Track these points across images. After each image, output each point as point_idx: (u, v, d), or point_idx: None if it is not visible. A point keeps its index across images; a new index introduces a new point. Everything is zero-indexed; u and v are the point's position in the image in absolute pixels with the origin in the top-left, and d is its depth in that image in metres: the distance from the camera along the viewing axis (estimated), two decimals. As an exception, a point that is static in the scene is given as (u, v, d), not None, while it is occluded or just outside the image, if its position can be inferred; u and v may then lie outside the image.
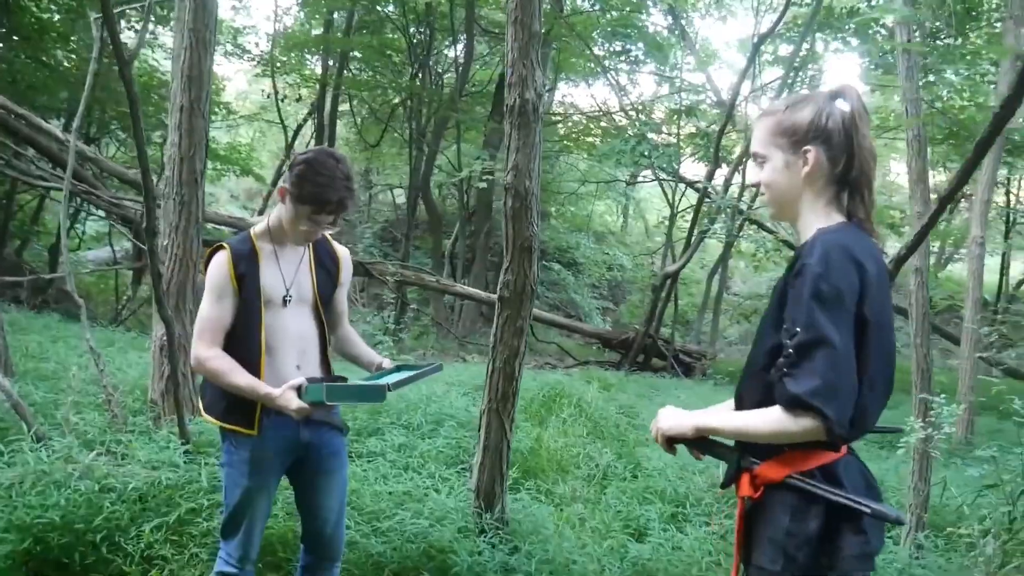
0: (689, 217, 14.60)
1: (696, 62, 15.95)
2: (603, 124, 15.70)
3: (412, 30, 14.48)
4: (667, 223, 15.31)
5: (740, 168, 11.74)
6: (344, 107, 16.73)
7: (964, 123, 9.43)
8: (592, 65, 16.75)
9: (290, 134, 16.04)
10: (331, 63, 15.05)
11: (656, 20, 15.92)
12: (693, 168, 19.24)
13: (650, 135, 11.90)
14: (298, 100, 16.26)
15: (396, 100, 15.59)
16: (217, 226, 11.21)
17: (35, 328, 8.30)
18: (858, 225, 1.83)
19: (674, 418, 1.93)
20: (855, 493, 1.74)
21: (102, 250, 15.79)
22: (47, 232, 13.98)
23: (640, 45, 13.44)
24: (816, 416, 1.63)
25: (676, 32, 15.78)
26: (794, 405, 1.64)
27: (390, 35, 15.20)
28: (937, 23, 11.34)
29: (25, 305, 10.33)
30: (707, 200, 11.31)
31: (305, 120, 17.47)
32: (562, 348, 13.70)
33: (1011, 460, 3.97)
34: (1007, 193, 20.45)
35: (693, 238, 11.42)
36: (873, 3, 12.53)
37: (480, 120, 13.66)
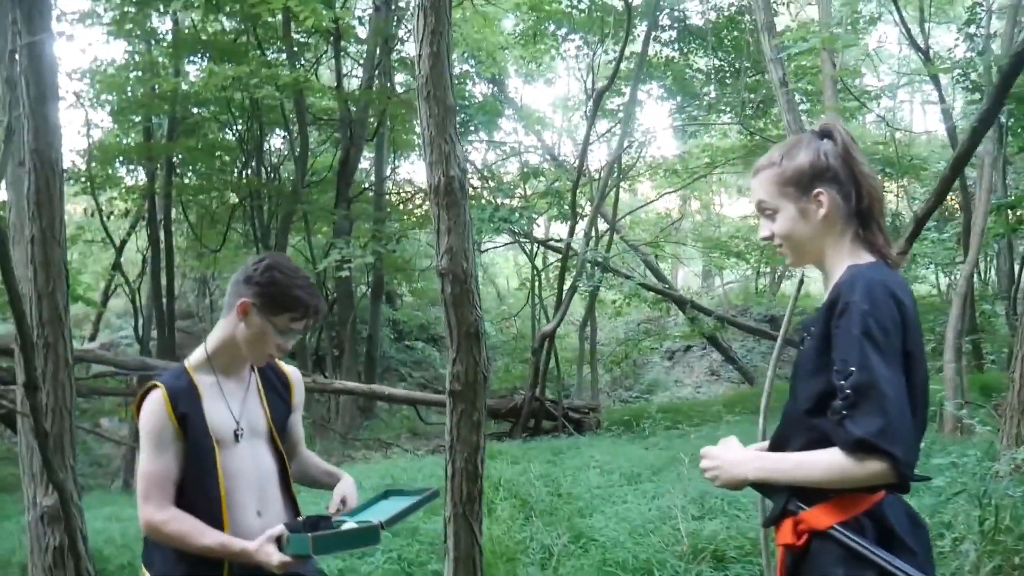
0: (552, 275, 14.80)
1: (526, 124, 16.30)
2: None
3: (240, 127, 13.96)
4: (527, 285, 15.39)
5: (594, 219, 12.00)
6: (174, 212, 15.85)
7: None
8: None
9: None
10: (158, 169, 14.24)
11: (481, 89, 16.31)
12: (543, 228, 19.71)
13: (503, 200, 11.95)
14: (126, 215, 15.26)
15: (234, 200, 14.92)
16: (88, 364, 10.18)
17: None
18: (883, 259, 1.82)
19: (736, 458, 1.83)
20: (903, 533, 1.71)
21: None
22: None
23: (470, 114, 13.56)
24: (884, 458, 1.59)
25: (501, 99, 16.17)
26: (859, 448, 1.60)
27: (216, 134, 14.61)
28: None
29: None
30: (572, 255, 11.41)
31: (129, 233, 16.39)
32: (449, 427, 13.28)
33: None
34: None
35: (564, 295, 11.43)
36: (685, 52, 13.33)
37: (327, 209, 13.27)
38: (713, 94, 13.90)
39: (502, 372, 20.05)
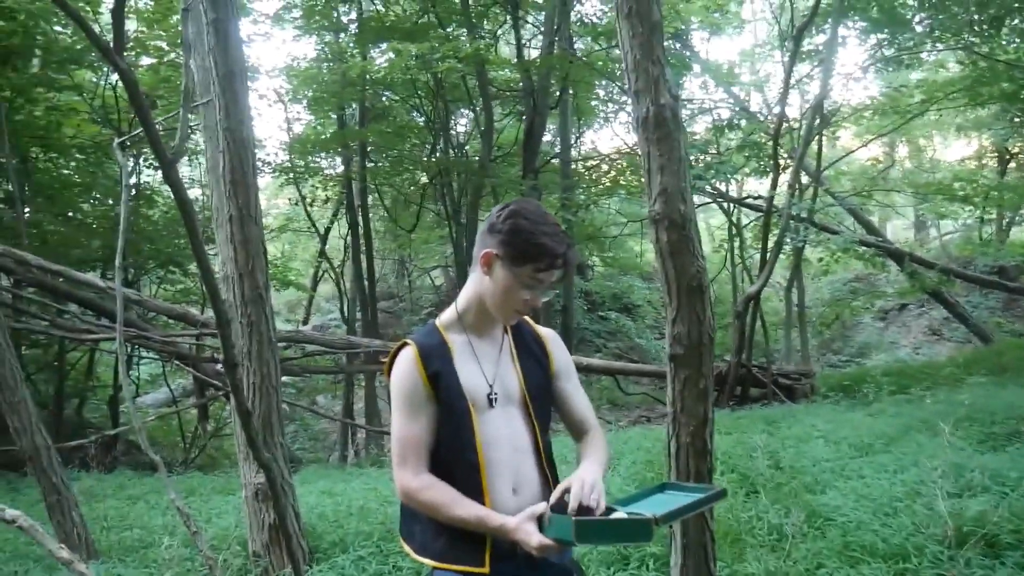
0: (750, 236, 13.90)
1: (715, 77, 15.37)
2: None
3: (426, 107, 14.12)
4: (724, 247, 14.57)
5: (798, 171, 11.05)
6: (371, 198, 16.40)
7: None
8: (606, 105, 16.32)
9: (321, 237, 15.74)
10: (353, 158, 14.73)
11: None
12: (736, 187, 18.62)
13: (697, 156, 11.26)
14: (325, 202, 15.96)
15: (423, 180, 15.19)
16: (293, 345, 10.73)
17: (109, 490, 7.74)
18: None
19: None
20: None
21: (159, 392, 15.39)
22: (103, 385, 13.58)
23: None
24: None
25: (686, 55, 15.33)
26: None
27: (404, 117, 14.89)
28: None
29: (94, 466, 9.82)
30: (775, 211, 10.57)
31: (332, 221, 17.17)
32: (652, 397, 12.86)
33: None
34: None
35: (768, 254, 10.63)
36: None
37: (515, 182, 13.14)
38: (925, 21, 12.38)
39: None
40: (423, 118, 14.42)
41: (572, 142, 15.68)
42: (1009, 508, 4.13)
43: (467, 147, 15.87)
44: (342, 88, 13.18)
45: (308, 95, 14.15)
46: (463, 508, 1.97)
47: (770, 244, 10.83)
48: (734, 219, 13.41)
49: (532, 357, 2.21)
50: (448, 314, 2.16)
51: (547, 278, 2.01)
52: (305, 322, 19.89)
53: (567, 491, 1.96)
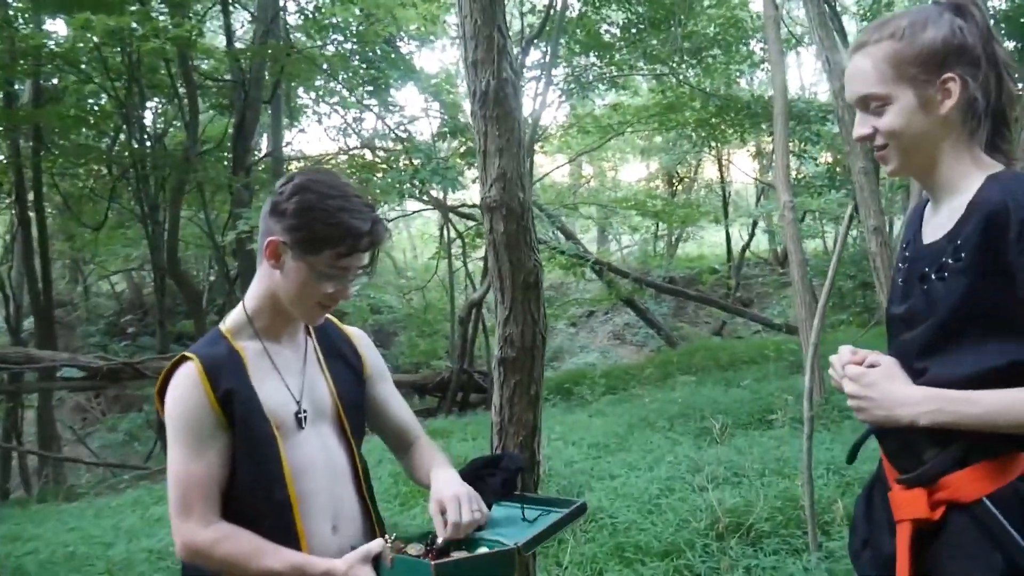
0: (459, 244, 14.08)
1: (435, 86, 15.43)
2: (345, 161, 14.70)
3: (118, 91, 12.53)
4: (442, 253, 14.67)
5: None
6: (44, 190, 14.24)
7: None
8: (318, 105, 15.71)
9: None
10: (21, 142, 12.65)
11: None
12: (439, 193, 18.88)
13: (416, 160, 11.14)
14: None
15: (114, 172, 13.49)
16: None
17: None
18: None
19: (902, 396, 1.40)
20: None
21: None
22: None
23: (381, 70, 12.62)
24: None
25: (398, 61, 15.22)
26: None
27: (91, 101, 13.10)
28: None
29: None
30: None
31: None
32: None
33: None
34: (720, 169, 22.37)
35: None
36: None
37: (226, 178, 12.10)
38: (624, 49, 13.45)
39: (406, 347, 19.31)
40: (112, 102, 12.78)
41: (285, 141, 14.83)
42: (755, 497, 4.41)
43: (164, 139, 14.37)
44: (11, 60, 11.25)
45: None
46: (274, 557, 1.59)
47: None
48: (456, 228, 13.51)
49: (341, 360, 1.85)
50: (235, 317, 1.74)
51: (352, 263, 1.66)
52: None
53: (443, 514, 1.65)
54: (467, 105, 17.12)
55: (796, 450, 5.32)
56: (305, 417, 1.71)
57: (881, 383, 1.42)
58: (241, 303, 1.75)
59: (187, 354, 1.66)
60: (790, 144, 8.70)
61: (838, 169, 11.68)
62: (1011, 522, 1.32)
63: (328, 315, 1.79)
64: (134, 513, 5.69)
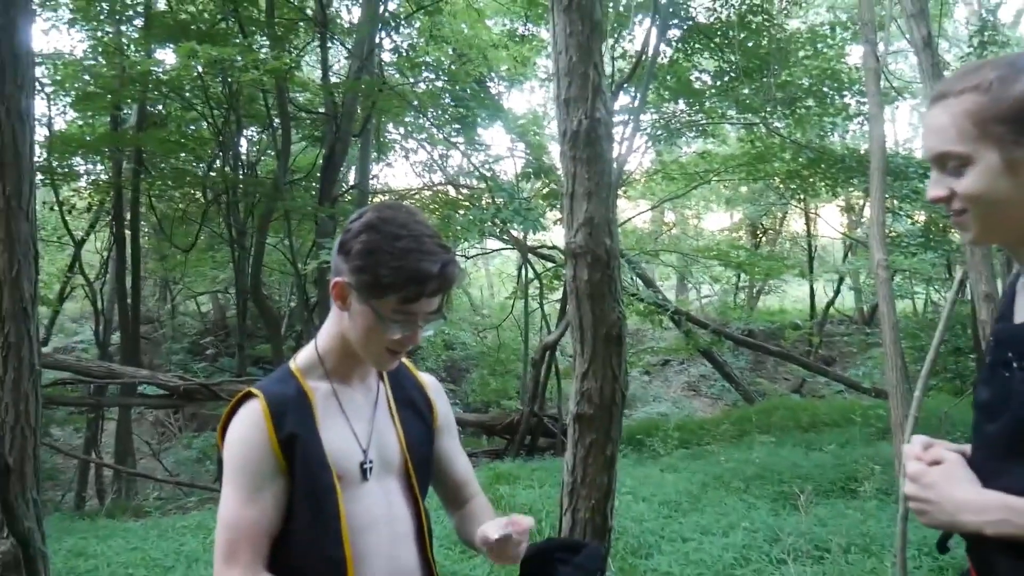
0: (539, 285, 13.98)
1: (521, 127, 15.50)
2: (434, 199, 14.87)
3: (216, 119, 12.98)
4: (519, 293, 14.60)
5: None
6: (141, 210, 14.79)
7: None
8: (407, 141, 15.94)
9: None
10: (124, 164, 13.20)
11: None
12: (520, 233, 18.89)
13: (499, 199, 11.15)
14: (88, 210, 14.18)
15: (208, 196, 13.92)
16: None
17: None
18: None
19: (966, 499, 1.26)
20: None
21: None
22: None
23: (470, 108, 12.75)
24: None
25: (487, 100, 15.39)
26: None
27: (187, 126, 13.61)
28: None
29: None
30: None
31: (88, 232, 15.26)
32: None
33: None
34: (807, 223, 21.80)
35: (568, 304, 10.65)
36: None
37: (312, 208, 12.34)
38: (715, 97, 13.27)
39: (477, 385, 19.23)
40: (211, 129, 13.24)
41: (372, 174, 15.09)
42: (838, 574, 4.11)
43: (257, 167, 14.79)
44: (120, 86, 11.77)
45: (77, 88, 12.51)
46: None
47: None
48: (524, 270, 13.45)
49: (412, 409, 1.73)
50: (307, 355, 1.65)
51: (420, 308, 1.53)
52: (44, 343, 17.49)
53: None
54: (553, 147, 17.26)
55: (884, 525, 4.99)
56: (371, 468, 1.60)
57: (941, 485, 1.29)
58: (313, 341, 1.66)
59: (253, 390, 1.58)
60: (885, 201, 8.34)
61: (933, 228, 11.19)
62: None
63: (403, 359, 1.69)
64: (196, 537, 5.69)
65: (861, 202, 18.80)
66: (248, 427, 1.53)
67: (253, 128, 14.81)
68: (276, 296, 18.69)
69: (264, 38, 11.93)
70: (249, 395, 1.57)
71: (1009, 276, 1.52)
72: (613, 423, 2.31)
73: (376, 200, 15.43)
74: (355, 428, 1.61)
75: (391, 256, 1.48)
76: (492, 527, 1.50)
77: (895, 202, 10.45)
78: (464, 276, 1.69)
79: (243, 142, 14.71)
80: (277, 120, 12.58)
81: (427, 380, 1.81)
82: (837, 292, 20.23)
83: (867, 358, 16.75)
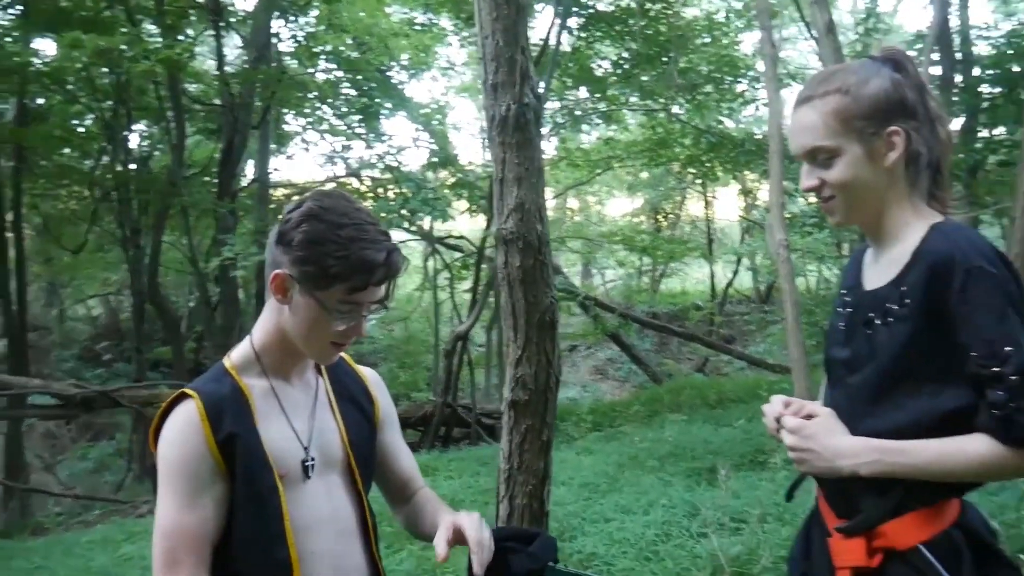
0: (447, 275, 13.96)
1: (425, 116, 15.36)
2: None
3: (104, 112, 12.35)
4: (429, 284, 14.54)
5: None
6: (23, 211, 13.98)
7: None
8: (309, 132, 15.59)
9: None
10: (3, 162, 12.45)
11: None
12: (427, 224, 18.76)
13: (407, 189, 11.02)
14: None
15: (97, 194, 13.27)
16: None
17: None
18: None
19: (842, 447, 1.45)
20: (994, 545, 1.49)
21: None
22: None
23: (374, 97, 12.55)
24: None
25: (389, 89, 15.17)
26: None
27: (76, 121, 12.93)
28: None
29: None
30: (489, 250, 10.65)
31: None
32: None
33: None
34: (706, 206, 22.44)
35: (479, 293, 10.67)
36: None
37: (212, 203, 11.91)
38: (617, 85, 13.46)
39: (387, 379, 18.99)
40: (98, 123, 12.59)
41: (272, 167, 14.69)
42: (756, 545, 4.25)
43: (150, 162, 14.19)
44: (-6, 78, 11.08)
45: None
46: None
47: (481, 284, 10.90)
48: (428, 261, 13.41)
49: (353, 404, 1.68)
50: (242, 352, 1.58)
51: (366, 298, 1.49)
52: None
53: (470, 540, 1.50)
54: (455, 136, 17.09)
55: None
56: (313, 466, 1.55)
57: (821, 435, 1.46)
58: (248, 337, 1.59)
59: (187, 391, 1.50)
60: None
61: (826, 209, 11.65)
62: (945, 568, 1.39)
63: (342, 353, 1.64)
64: (104, 552, 5.42)
65: (757, 185, 19.44)
66: (184, 429, 1.45)
67: (144, 122, 14.19)
68: (174, 296, 18.04)
69: (154, 27, 11.42)
70: (183, 396, 1.49)
71: (855, 250, 1.74)
72: (548, 408, 2.32)
73: (277, 194, 15.06)
74: (295, 425, 1.56)
75: (337, 245, 1.43)
76: (441, 542, 1.49)
77: (791, 184, 10.84)
78: (407, 264, 1.65)
79: (134, 136, 14.09)
80: (170, 113, 12.09)
81: (367, 373, 1.76)
82: (736, 273, 20.91)
83: (767, 335, 17.39)
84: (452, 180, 11.67)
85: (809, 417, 1.50)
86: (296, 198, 1.59)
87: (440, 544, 1.48)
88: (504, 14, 2.09)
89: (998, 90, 11.22)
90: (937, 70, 10.89)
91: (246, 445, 1.46)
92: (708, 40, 11.97)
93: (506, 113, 2.13)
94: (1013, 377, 1.34)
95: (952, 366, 1.39)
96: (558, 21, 11.03)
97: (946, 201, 1.54)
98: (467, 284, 13.13)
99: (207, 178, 13.47)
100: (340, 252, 1.43)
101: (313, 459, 1.55)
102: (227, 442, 1.45)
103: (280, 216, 1.57)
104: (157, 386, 11.08)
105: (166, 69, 10.51)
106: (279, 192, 15.82)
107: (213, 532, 1.46)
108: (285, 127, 15.43)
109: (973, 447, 1.38)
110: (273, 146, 14.78)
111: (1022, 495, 3.85)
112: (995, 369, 1.35)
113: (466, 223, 14.45)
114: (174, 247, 14.64)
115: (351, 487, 1.62)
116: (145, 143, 14.66)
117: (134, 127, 13.76)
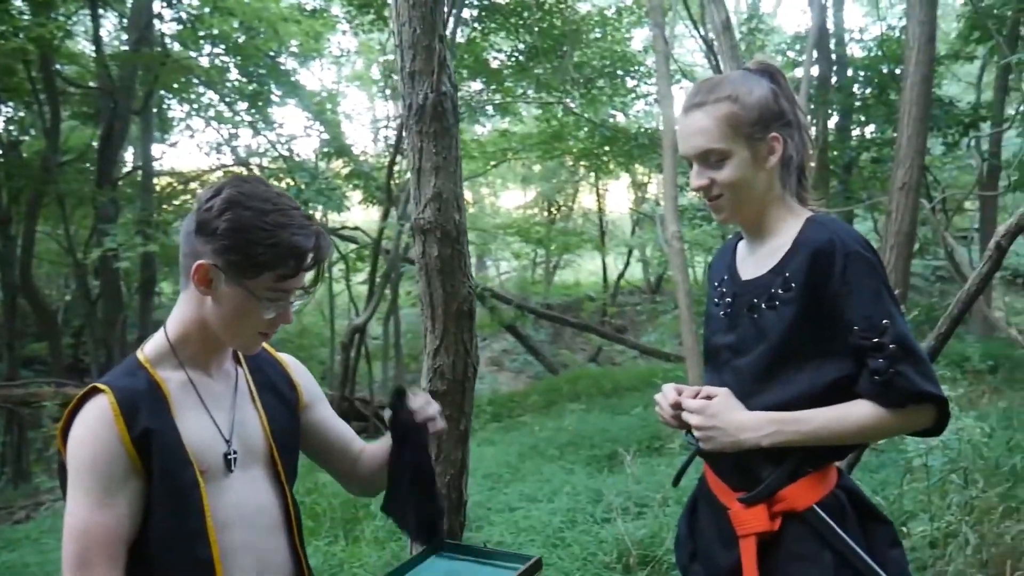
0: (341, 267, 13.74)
1: (318, 104, 15.02)
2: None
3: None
4: (324, 277, 14.21)
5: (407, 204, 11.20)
6: None
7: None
8: (194, 118, 15.03)
9: None
10: None
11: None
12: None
13: (300, 179, 10.76)
14: None
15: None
16: None
17: None
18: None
19: (743, 422, 1.57)
20: (871, 503, 1.66)
21: None
22: None
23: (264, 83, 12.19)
24: (936, 405, 1.54)
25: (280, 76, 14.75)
26: (920, 400, 1.52)
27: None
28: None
29: None
30: (387, 240, 10.54)
31: None
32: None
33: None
34: (598, 199, 22.85)
35: (376, 285, 10.55)
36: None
37: (91, 191, 11.30)
38: (513, 77, 13.53)
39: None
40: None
41: (156, 155, 14.07)
42: (659, 528, 4.37)
43: (20, 147, 13.33)
44: None
45: None
46: None
47: (378, 276, 10.76)
48: (339, 250, 13.13)
49: (274, 392, 1.64)
50: (156, 344, 1.51)
51: (295, 285, 1.47)
52: None
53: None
54: (347, 126, 16.76)
55: (691, 478, 5.36)
56: (235, 459, 1.50)
57: (724, 413, 1.57)
58: (162, 329, 1.52)
59: (99, 385, 1.42)
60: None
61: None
62: (835, 523, 1.53)
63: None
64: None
65: (647, 179, 19.93)
66: (96, 426, 1.38)
67: (11, 104, 13.32)
68: (47, 290, 17.06)
69: (24, 2, 10.73)
70: (94, 391, 1.41)
71: (723, 245, 1.87)
72: (466, 398, 2.31)
73: (160, 183, 14.43)
74: (216, 418, 1.50)
75: (264, 233, 1.39)
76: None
77: (683, 179, 11.16)
78: (333, 251, 1.63)
79: (0, 120, 13.21)
80: (43, 95, 11.39)
81: (287, 359, 1.72)
82: (627, 264, 21.37)
83: (658, 325, 17.88)
84: (346, 170, 11.45)
85: (709, 398, 1.61)
86: (209, 185, 1.53)
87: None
88: (421, 1, 2.07)
89: (869, 91, 11.90)
90: (815, 70, 11.44)
91: (163, 441, 1.41)
92: (600, 35, 12.17)
93: (423, 102, 2.11)
94: (892, 346, 1.49)
95: (834, 341, 1.53)
96: (453, 12, 10.98)
97: (807, 200, 1.69)
98: (362, 276, 12.96)
99: (86, 165, 12.75)
100: (269, 240, 1.39)
101: (236, 452, 1.51)
102: (142, 438, 1.39)
103: (194, 204, 1.50)
104: (30, 384, 10.50)
105: (38, 48, 9.90)
106: (163, 181, 15.20)
107: (128, 531, 1.39)
108: (169, 113, 14.82)
109: (857, 411, 1.53)
110: (157, 133, 14.17)
111: (903, 472, 4.09)
112: (875, 340, 1.50)
113: (360, 214, 14.24)
114: (50, 237, 13.84)
115: (274, 479, 1.58)
116: (14, 127, 13.76)
117: (3, 109, 12.91)
